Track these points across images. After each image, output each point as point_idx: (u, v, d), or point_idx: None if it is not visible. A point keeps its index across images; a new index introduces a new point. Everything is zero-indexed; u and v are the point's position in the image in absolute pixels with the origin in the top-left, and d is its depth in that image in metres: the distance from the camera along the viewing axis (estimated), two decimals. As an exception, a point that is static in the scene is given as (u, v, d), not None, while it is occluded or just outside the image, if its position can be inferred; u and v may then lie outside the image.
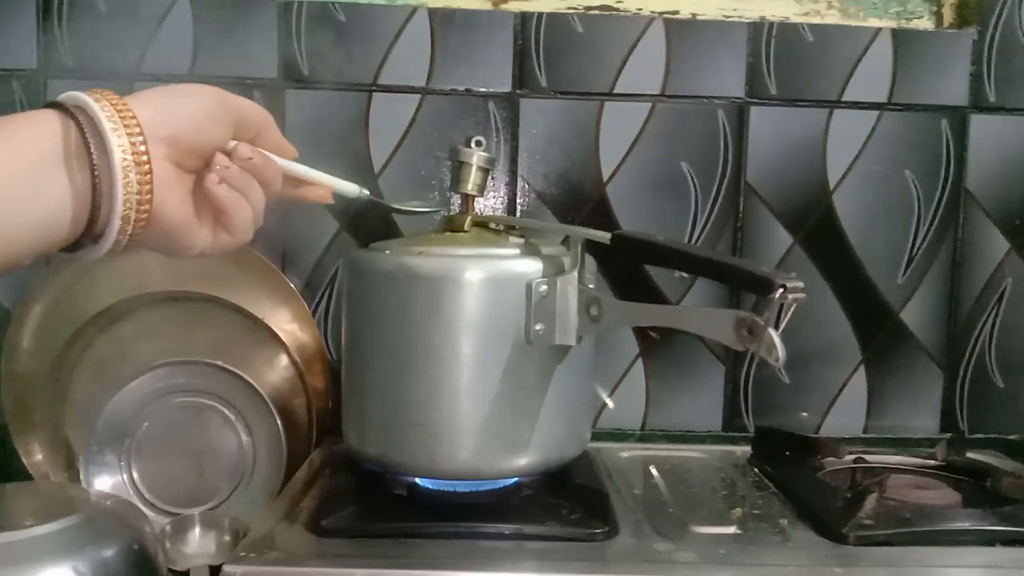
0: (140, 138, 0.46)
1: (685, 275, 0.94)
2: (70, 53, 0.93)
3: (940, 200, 0.97)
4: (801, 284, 0.55)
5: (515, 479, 0.71)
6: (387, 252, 0.70)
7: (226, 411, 0.91)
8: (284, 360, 0.96)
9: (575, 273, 0.66)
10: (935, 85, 0.95)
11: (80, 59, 0.93)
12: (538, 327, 0.66)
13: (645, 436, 0.97)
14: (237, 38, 0.92)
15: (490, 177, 0.81)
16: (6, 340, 0.91)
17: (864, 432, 0.99)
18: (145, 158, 0.46)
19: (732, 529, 0.70)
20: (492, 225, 0.75)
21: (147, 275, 0.93)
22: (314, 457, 0.89)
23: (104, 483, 0.88)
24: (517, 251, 0.69)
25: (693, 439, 0.97)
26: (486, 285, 0.67)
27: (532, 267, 0.67)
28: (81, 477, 0.87)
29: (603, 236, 0.63)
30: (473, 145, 0.75)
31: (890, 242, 0.97)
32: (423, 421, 0.67)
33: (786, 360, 0.54)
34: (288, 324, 0.95)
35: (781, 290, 0.53)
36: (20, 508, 0.74)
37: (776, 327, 0.55)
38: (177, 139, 0.48)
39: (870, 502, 0.70)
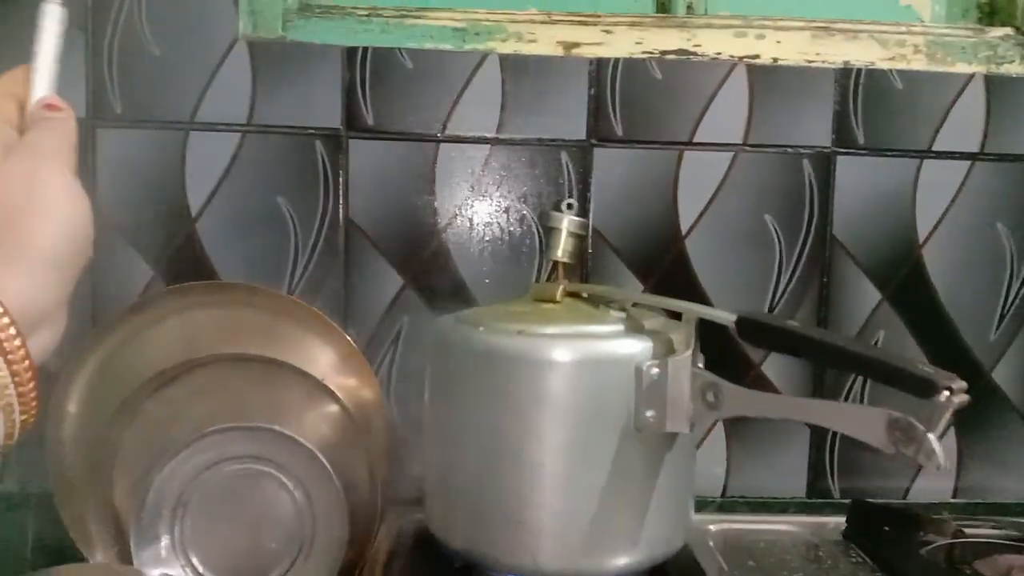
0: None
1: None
2: (119, 99, 0.88)
3: (1034, 254, 0.92)
4: (965, 385, 0.50)
5: None
6: (481, 329, 0.65)
7: (283, 477, 0.86)
8: (342, 421, 0.90)
9: (688, 354, 0.61)
10: (1026, 133, 0.91)
11: (130, 106, 0.88)
12: (649, 414, 0.61)
13: (725, 504, 0.92)
14: (299, 85, 0.88)
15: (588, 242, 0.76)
16: (52, 404, 0.86)
17: (953, 496, 0.94)
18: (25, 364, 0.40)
19: (852, 627, 0.65)
20: (584, 295, 0.70)
21: (199, 335, 0.88)
22: (383, 536, 0.83)
23: (156, 560, 0.83)
24: (620, 327, 0.64)
25: (776, 507, 0.92)
26: (590, 368, 0.62)
27: (640, 347, 0.62)
28: (132, 551, 0.82)
29: (727, 318, 0.58)
30: (564, 208, 0.70)
31: (981, 299, 0.92)
32: (523, 516, 0.62)
33: (948, 466, 0.49)
34: (348, 382, 0.90)
35: (947, 393, 0.49)
36: (77, 598, 0.69)
37: (935, 431, 0.50)
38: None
39: (999, 596, 0.65)
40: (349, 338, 0.89)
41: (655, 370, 0.61)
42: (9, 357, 0.39)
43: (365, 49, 0.88)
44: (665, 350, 0.62)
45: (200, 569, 0.84)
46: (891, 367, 0.50)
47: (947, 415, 0.49)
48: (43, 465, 0.86)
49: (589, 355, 0.62)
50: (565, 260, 0.70)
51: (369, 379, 0.90)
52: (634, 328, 0.64)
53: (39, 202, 0.43)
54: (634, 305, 0.67)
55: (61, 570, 0.75)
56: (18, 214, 0.42)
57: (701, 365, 0.63)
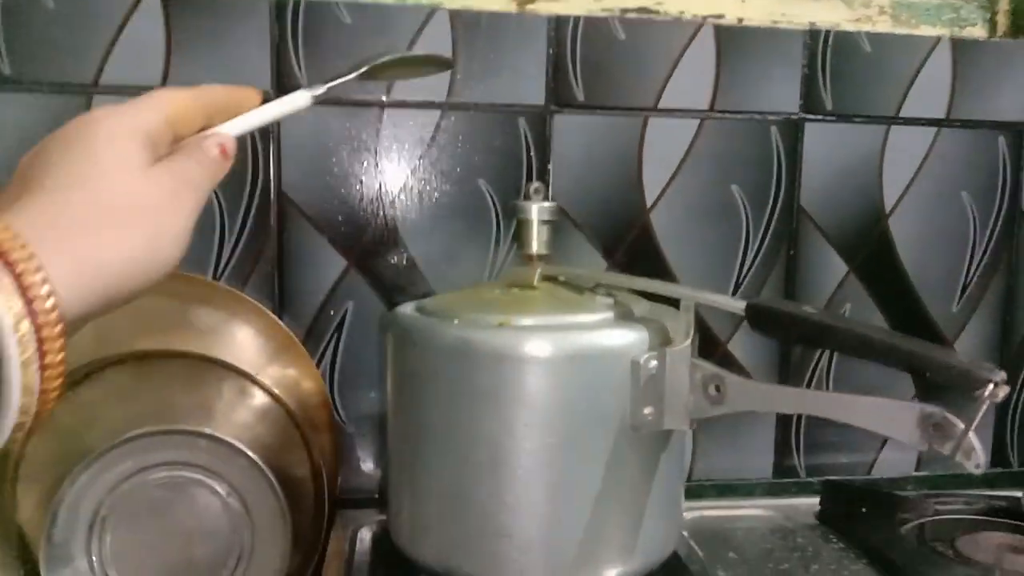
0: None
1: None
2: (6, 60, 0.75)
3: (996, 222, 0.90)
4: (1005, 376, 0.46)
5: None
6: (455, 321, 0.57)
7: (215, 484, 0.77)
8: (280, 419, 0.82)
9: (687, 344, 0.55)
10: (992, 99, 0.89)
11: (22, 68, 0.75)
12: (647, 411, 0.55)
13: (692, 489, 0.87)
14: (222, 43, 0.77)
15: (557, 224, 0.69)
16: (-61, 414, 0.74)
17: (917, 470, 0.93)
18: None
19: (852, 624, 0.61)
20: (561, 278, 0.64)
21: (110, 330, 0.77)
22: (338, 542, 0.76)
23: (73, 583, 0.73)
24: (610, 315, 0.58)
25: (743, 488, 0.88)
26: (581, 363, 0.55)
27: (634, 338, 0.56)
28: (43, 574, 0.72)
29: (735, 305, 0.52)
30: (532, 195, 0.63)
31: (945, 269, 0.90)
32: (507, 529, 0.55)
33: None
34: (287, 372, 0.82)
35: (991, 387, 0.44)
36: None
37: (970, 427, 0.46)
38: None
39: (995, 581, 0.63)
40: (284, 326, 0.80)
41: (653, 363, 0.55)
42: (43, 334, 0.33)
43: (296, 2, 0.78)
44: (661, 340, 0.57)
45: (123, 591, 0.75)
46: (926, 358, 0.46)
47: (983, 408, 0.45)
48: (-70, 483, 0.74)
49: (579, 349, 0.55)
50: (542, 252, 0.64)
51: (310, 370, 0.82)
52: (624, 316, 0.58)
53: (151, 224, 0.39)
54: (617, 289, 0.61)
55: (-40, 608, 0.64)
56: (124, 215, 0.37)
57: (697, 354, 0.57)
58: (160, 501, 0.75)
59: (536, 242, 0.63)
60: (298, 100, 0.50)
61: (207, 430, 0.75)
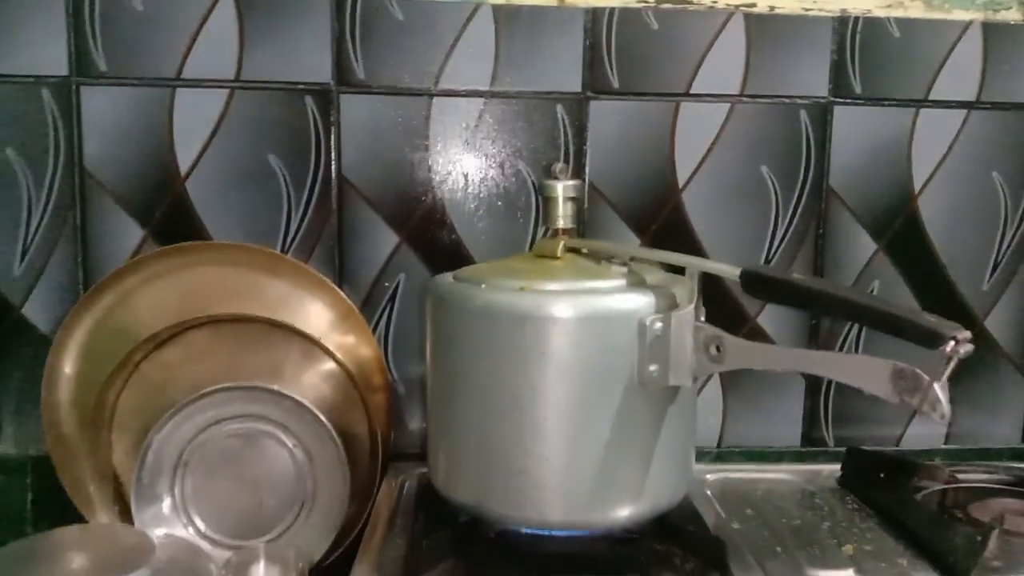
0: None
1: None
2: (103, 56, 0.85)
3: (1029, 202, 0.92)
4: (970, 335, 0.50)
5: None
6: (482, 286, 0.64)
7: (283, 437, 0.86)
8: (342, 380, 0.90)
9: (690, 308, 0.61)
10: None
11: (114, 64, 0.86)
12: (652, 368, 0.61)
13: (722, 454, 0.93)
14: (286, 39, 0.86)
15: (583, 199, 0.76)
16: (47, 368, 0.85)
17: (946, 443, 0.96)
18: None
19: (850, 572, 0.66)
20: (584, 251, 0.70)
21: (194, 297, 0.87)
22: (387, 488, 0.84)
23: (157, 519, 0.83)
24: (623, 283, 0.64)
25: (771, 456, 0.93)
26: (594, 324, 0.62)
27: (643, 302, 0.62)
28: (132, 511, 0.82)
29: (731, 272, 0.58)
30: (558, 174, 0.70)
31: (976, 248, 0.93)
32: (528, 471, 0.62)
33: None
34: (346, 340, 0.90)
35: (952, 343, 0.49)
36: (79, 562, 0.69)
37: (940, 381, 0.50)
38: None
39: (993, 539, 0.66)
40: (345, 296, 0.88)
41: (658, 325, 0.61)
42: None
43: (354, 0, 0.86)
44: (668, 304, 0.62)
45: (202, 528, 0.85)
46: (897, 317, 0.50)
47: (951, 364, 0.50)
48: (40, 428, 0.85)
49: (592, 311, 0.61)
50: (567, 226, 0.70)
51: (367, 337, 0.90)
52: (636, 283, 0.64)
53: None
54: (632, 260, 0.67)
55: (62, 531, 0.75)
56: None
57: (703, 319, 0.63)
58: (234, 450, 0.85)
59: (562, 217, 0.70)
60: None
61: (276, 387, 0.84)
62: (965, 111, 0.91)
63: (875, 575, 0.66)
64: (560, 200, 0.70)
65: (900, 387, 0.51)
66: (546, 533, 0.65)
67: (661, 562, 0.64)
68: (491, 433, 0.64)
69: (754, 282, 0.57)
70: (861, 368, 0.53)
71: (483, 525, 0.68)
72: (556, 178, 0.70)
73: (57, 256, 0.88)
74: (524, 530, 0.65)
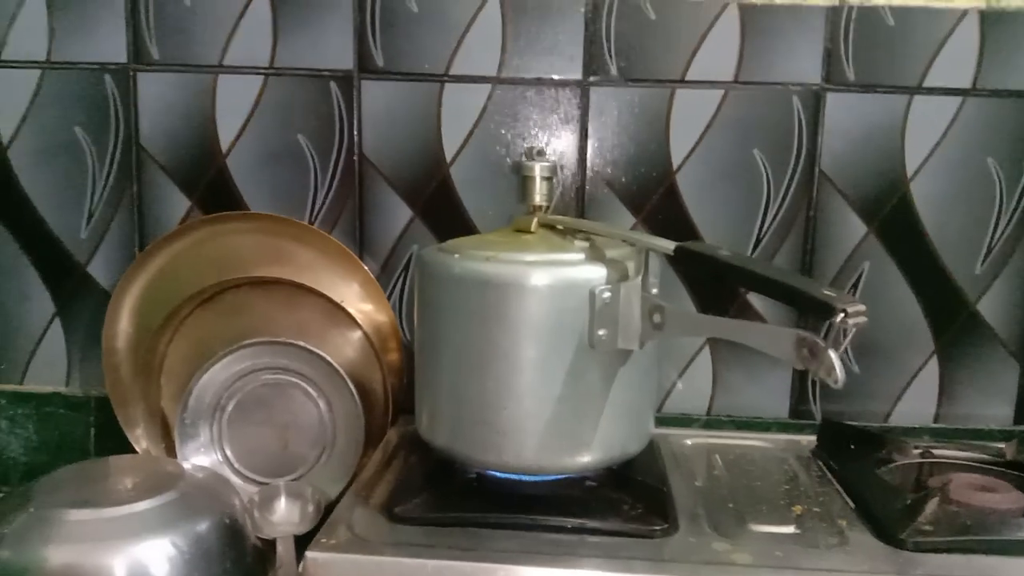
0: None
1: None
2: (156, 46, 0.97)
3: (1024, 188, 0.94)
4: (863, 308, 0.55)
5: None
6: (456, 256, 0.72)
7: (308, 388, 0.96)
8: (360, 340, 1.00)
9: (638, 280, 0.68)
10: (1022, 68, 0.92)
11: (166, 52, 0.97)
12: (601, 332, 0.68)
13: (711, 422, 0.98)
14: (313, 30, 0.95)
15: (557, 179, 0.82)
16: (106, 319, 0.97)
17: (935, 421, 0.99)
18: None
19: (791, 529, 0.71)
20: (559, 227, 0.77)
21: (232, 261, 0.98)
22: (391, 435, 0.93)
23: (197, 454, 0.95)
24: (582, 256, 0.71)
25: (759, 425, 0.98)
26: (551, 291, 0.69)
27: (596, 273, 0.69)
28: (176, 448, 0.94)
29: (666, 247, 0.64)
30: (535, 156, 0.77)
31: (969, 231, 0.95)
32: (490, 420, 0.70)
33: (844, 381, 0.55)
34: (364, 306, 0.99)
35: (842, 315, 0.54)
36: (122, 483, 0.81)
37: (837, 349, 0.56)
38: None
39: (931, 506, 0.71)
40: (366, 267, 0.98)
41: (607, 294, 0.68)
42: None
43: (374, -4, 0.94)
44: (619, 276, 0.69)
45: (235, 464, 0.96)
46: (797, 290, 0.56)
47: (845, 335, 0.55)
48: (101, 372, 0.98)
49: (549, 279, 0.68)
50: (543, 203, 0.77)
51: (383, 304, 0.99)
52: (595, 257, 0.71)
53: None
54: (597, 235, 0.73)
55: (113, 458, 0.87)
56: None
57: (655, 291, 0.69)
58: (264, 398, 0.96)
59: (538, 195, 0.77)
60: None
61: (302, 343, 0.94)
62: (960, 98, 0.93)
63: (812, 532, 0.71)
64: (537, 179, 0.77)
65: (803, 354, 0.57)
66: (505, 476, 0.73)
67: (609, 506, 0.71)
68: (462, 386, 0.72)
69: (685, 257, 0.63)
70: (770, 335, 0.59)
71: (457, 467, 0.76)
72: (533, 159, 0.77)
73: (117, 221, 1.00)
74: (489, 472, 0.74)
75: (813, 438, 0.92)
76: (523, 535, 0.68)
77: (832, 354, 0.55)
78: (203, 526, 0.76)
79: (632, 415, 0.73)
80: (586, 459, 0.71)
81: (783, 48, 0.92)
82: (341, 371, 0.94)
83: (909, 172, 0.94)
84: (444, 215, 0.97)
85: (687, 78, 0.94)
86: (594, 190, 0.96)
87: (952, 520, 0.70)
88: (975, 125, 0.93)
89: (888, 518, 0.70)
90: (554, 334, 0.69)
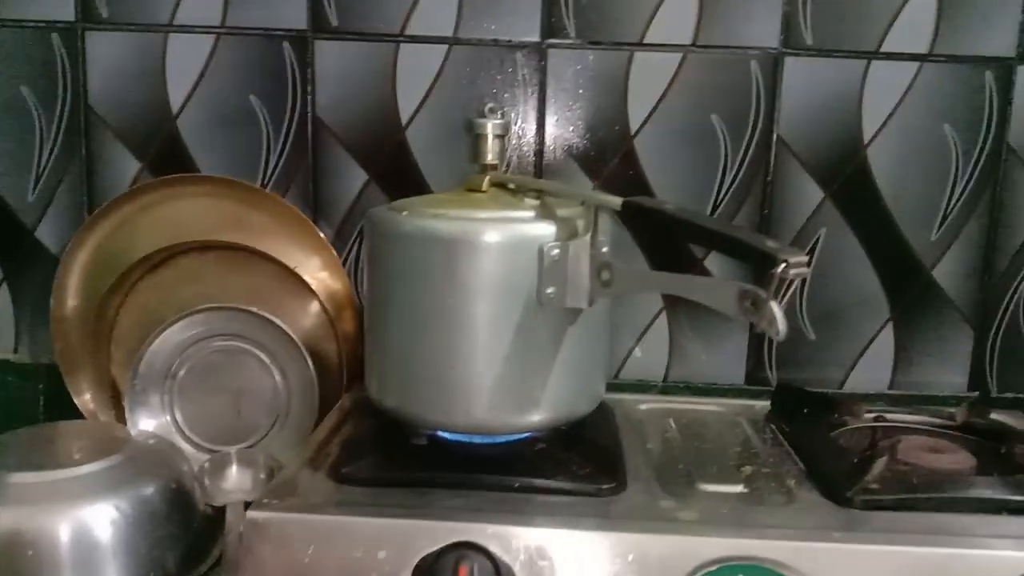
0: None
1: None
2: (106, 5, 0.94)
3: (980, 155, 0.94)
4: (805, 259, 0.55)
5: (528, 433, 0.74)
6: (404, 213, 0.71)
7: (262, 355, 0.95)
8: (315, 307, 0.98)
9: (587, 237, 0.67)
10: (981, 35, 0.92)
11: (115, 11, 0.94)
12: (549, 290, 0.67)
13: (667, 388, 0.98)
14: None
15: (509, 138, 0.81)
16: (55, 285, 0.95)
17: (890, 388, 0.99)
18: None
19: (739, 488, 0.71)
20: (511, 185, 0.76)
21: (183, 225, 0.96)
22: (344, 401, 0.92)
23: (148, 422, 0.93)
24: (532, 214, 0.70)
25: (715, 391, 0.98)
26: (500, 248, 0.68)
27: (545, 231, 0.68)
28: (126, 416, 0.92)
29: (614, 203, 0.63)
30: (487, 113, 0.76)
31: (925, 198, 0.95)
32: (437, 378, 0.69)
33: (786, 333, 0.55)
34: (319, 272, 0.98)
35: (784, 265, 0.53)
36: (68, 447, 0.79)
37: (779, 301, 0.55)
38: None
39: (879, 466, 0.71)
40: (320, 233, 0.96)
41: (555, 251, 0.67)
42: None
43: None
44: (569, 234, 0.68)
45: (186, 431, 0.95)
46: (741, 242, 0.55)
47: (786, 285, 0.54)
48: (50, 339, 0.96)
49: (498, 237, 0.67)
50: (495, 163, 0.76)
51: (337, 270, 0.98)
52: (545, 214, 0.70)
53: None
54: (547, 193, 0.72)
55: (60, 424, 0.85)
56: None
57: (605, 249, 0.68)
58: (217, 364, 0.95)
59: (490, 153, 0.76)
60: None
61: (255, 309, 0.93)
62: (918, 64, 0.92)
63: (761, 492, 0.71)
64: (489, 137, 0.76)
65: (745, 307, 0.56)
66: (455, 437, 0.72)
67: (558, 465, 0.70)
68: (411, 346, 0.71)
69: (633, 212, 0.62)
70: (714, 288, 0.58)
71: (407, 428, 0.75)
72: (485, 116, 0.76)
73: (65, 185, 0.98)
74: (440, 433, 0.73)
75: (768, 403, 0.92)
76: (469, 494, 0.67)
77: (774, 305, 0.55)
78: (148, 490, 0.75)
79: (582, 375, 0.72)
80: (535, 418, 0.70)
81: (741, 12, 0.92)
82: (295, 338, 0.93)
83: (866, 138, 0.94)
84: (400, 179, 0.96)
85: (645, 41, 0.93)
86: (552, 154, 0.95)
87: (900, 479, 0.70)
88: (932, 91, 0.93)
89: (835, 477, 0.71)
90: (503, 292, 0.68)
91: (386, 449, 0.74)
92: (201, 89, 0.95)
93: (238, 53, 0.94)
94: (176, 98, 0.95)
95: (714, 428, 0.86)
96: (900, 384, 0.99)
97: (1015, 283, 0.96)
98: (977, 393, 0.98)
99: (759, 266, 0.55)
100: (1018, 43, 0.91)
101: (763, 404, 0.92)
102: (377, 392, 0.76)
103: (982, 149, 0.93)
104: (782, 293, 0.55)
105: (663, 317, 0.98)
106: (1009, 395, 0.98)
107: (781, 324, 0.55)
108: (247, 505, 0.78)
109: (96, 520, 0.71)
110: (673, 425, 0.87)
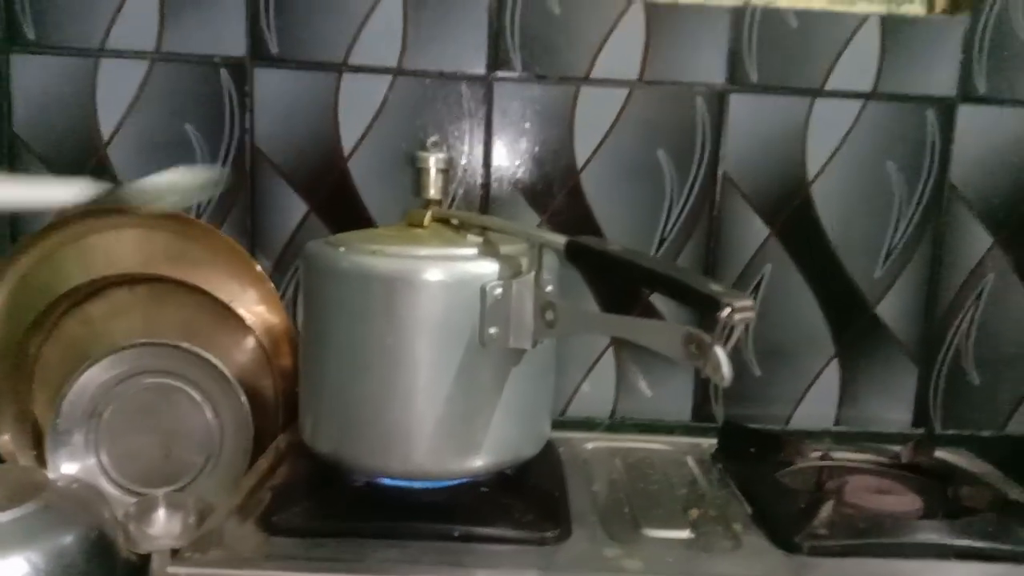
0: None
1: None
2: (33, 26, 0.90)
3: (923, 193, 0.95)
4: (750, 303, 0.53)
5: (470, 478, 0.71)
6: (341, 249, 0.69)
7: (193, 393, 0.91)
8: (251, 343, 0.95)
9: (531, 276, 0.65)
10: (923, 74, 0.93)
11: (43, 33, 0.91)
12: (492, 330, 0.65)
13: (614, 425, 0.96)
14: (203, 13, 0.90)
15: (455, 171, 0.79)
16: (-28, 319, 0.90)
17: (836, 424, 0.99)
18: None
19: (685, 533, 0.70)
20: (454, 221, 0.74)
21: (114, 255, 0.92)
22: (279, 441, 0.88)
23: (71, 464, 0.88)
24: (474, 251, 0.68)
25: (662, 428, 0.96)
26: (441, 286, 0.65)
27: (488, 269, 0.66)
28: (47, 457, 0.87)
29: (558, 242, 0.62)
30: (430, 147, 0.74)
31: (869, 235, 0.95)
32: (375, 421, 0.66)
33: (731, 379, 0.53)
34: (256, 306, 0.95)
35: (728, 310, 0.52)
36: (-21, 494, 0.74)
37: (724, 346, 0.54)
38: None
39: (826, 509, 0.70)
40: (258, 266, 0.93)
41: (498, 290, 0.65)
42: None
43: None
44: (512, 272, 0.66)
45: (111, 474, 0.90)
46: (685, 285, 0.54)
47: (732, 331, 0.53)
48: (-35, 375, 0.91)
49: (439, 275, 0.65)
50: (438, 198, 0.74)
51: (275, 304, 0.95)
52: (487, 252, 0.68)
53: None
54: (490, 230, 0.70)
55: (-30, 469, 0.80)
56: None
57: (550, 288, 0.67)
58: (146, 403, 0.90)
59: (432, 187, 0.74)
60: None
61: (187, 345, 0.89)
62: (862, 101, 0.93)
63: (708, 537, 0.69)
64: (432, 171, 0.74)
65: (690, 351, 0.55)
66: (394, 483, 0.69)
67: (500, 512, 0.68)
68: (347, 388, 0.68)
69: (576, 252, 0.60)
70: (660, 332, 0.57)
71: (344, 474, 0.72)
72: (428, 150, 0.74)
73: (-14, 214, 0.93)
74: (377, 479, 0.70)
75: (715, 441, 0.91)
76: (407, 544, 0.64)
77: (719, 351, 0.53)
78: (66, 540, 0.70)
79: (526, 417, 0.70)
80: (477, 463, 0.68)
81: (688, 48, 0.92)
82: (229, 375, 0.89)
83: (810, 175, 0.94)
84: (342, 211, 0.93)
85: (592, 75, 0.92)
86: (499, 187, 0.93)
87: (847, 523, 0.69)
88: (875, 129, 0.93)
89: (783, 521, 0.69)
90: (443, 332, 0.66)
91: (320, 495, 0.71)
92: (133, 116, 0.91)
93: (173, 80, 0.91)
94: (107, 126, 0.92)
95: (660, 468, 0.85)
96: (846, 420, 0.99)
97: (957, 320, 0.97)
98: (923, 429, 0.98)
99: (704, 309, 0.54)
100: (959, 83, 0.92)
101: (710, 442, 0.91)
102: (311, 436, 0.72)
103: (924, 187, 0.94)
104: (727, 337, 0.53)
105: (610, 352, 0.96)
106: (952, 432, 0.98)
107: (726, 370, 0.54)
108: (175, 552, 0.75)
109: (7, 574, 0.66)
110: (620, 465, 0.85)
